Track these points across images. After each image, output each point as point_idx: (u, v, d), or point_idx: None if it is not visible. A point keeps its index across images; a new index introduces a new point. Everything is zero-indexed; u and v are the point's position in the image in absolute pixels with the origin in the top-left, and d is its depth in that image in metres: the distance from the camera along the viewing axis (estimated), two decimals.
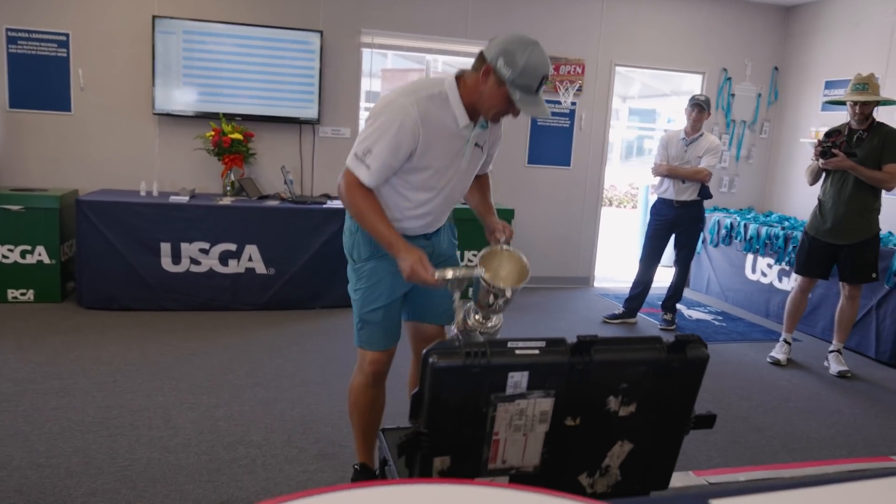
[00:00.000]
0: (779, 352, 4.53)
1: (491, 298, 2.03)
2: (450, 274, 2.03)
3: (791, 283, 5.50)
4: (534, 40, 2.01)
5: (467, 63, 2.31)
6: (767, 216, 6.38)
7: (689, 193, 5.01)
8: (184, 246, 4.77)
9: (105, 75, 5.24)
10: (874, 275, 4.25)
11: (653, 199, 5.35)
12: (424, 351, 1.67)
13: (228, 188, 5.31)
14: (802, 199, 6.50)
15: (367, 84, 5.97)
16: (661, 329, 5.24)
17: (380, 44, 5.77)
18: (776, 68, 6.75)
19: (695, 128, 4.98)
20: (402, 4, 5.72)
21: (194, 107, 5.32)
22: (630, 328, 5.26)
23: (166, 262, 4.76)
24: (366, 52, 5.74)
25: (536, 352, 1.73)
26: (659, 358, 1.82)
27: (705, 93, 6.53)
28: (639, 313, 5.40)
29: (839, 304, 4.39)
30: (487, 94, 2.07)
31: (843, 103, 4.26)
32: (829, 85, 6.17)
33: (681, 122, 5.20)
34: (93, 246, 4.65)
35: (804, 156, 6.45)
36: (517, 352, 1.72)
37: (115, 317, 4.59)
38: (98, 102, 5.26)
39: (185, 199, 4.88)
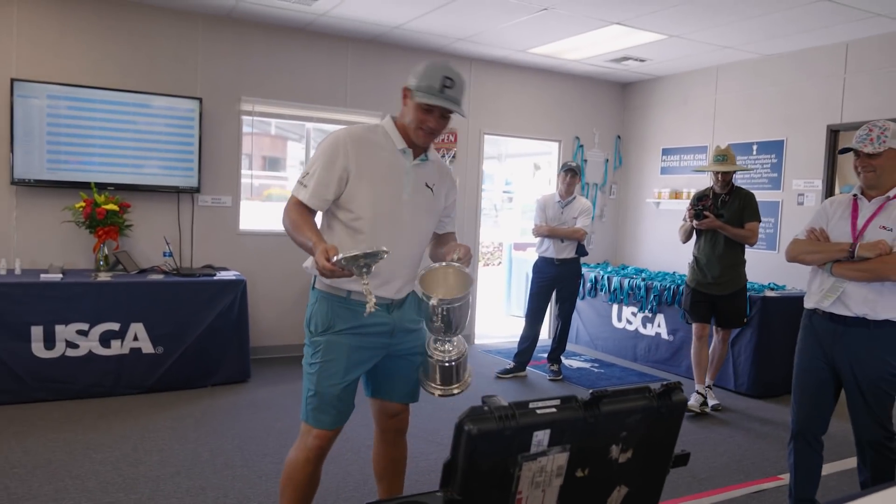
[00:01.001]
0: (694, 403, 4.74)
1: (432, 317, 2.08)
2: (344, 253, 1.93)
3: (654, 328, 6.10)
4: (443, 59, 2.28)
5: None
6: (624, 269, 7.04)
7: (567, 251, 5.43)
8: (58, 328, 4.33)
9: None
10: (745, 319, 4.89)
11: (517, 255, 5.71)
12: (458, 419, 1.72)
13: (101, 263, 4.91)
14: (648, 254, 7.27)
15: None
16: (550, 380, 5.56)
17: (260, 111, 5.73)
18: (619, 137, 7.58)
19: (568, 191, 5.45)
20: (283, 73, 5.76)
21: (60, 176, 4.92)
22: (522, 381, 5.52)
23: (37, 348, 4.28)
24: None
25: (554, 410, 1.85)
26: (651, 405, 2.01)
27: (560, 159, 7.18)
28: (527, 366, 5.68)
29: (712, 346, 4.90)
30: (406, 111, 2.22)
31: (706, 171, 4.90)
32: (666, 152, 7.05)
33: (518, 184, 5.68)
34: None
35: (649, 214, 7.26)
36: (538, 411, 1.82)
37: None
38: None
39: (57, 276, 4.45)
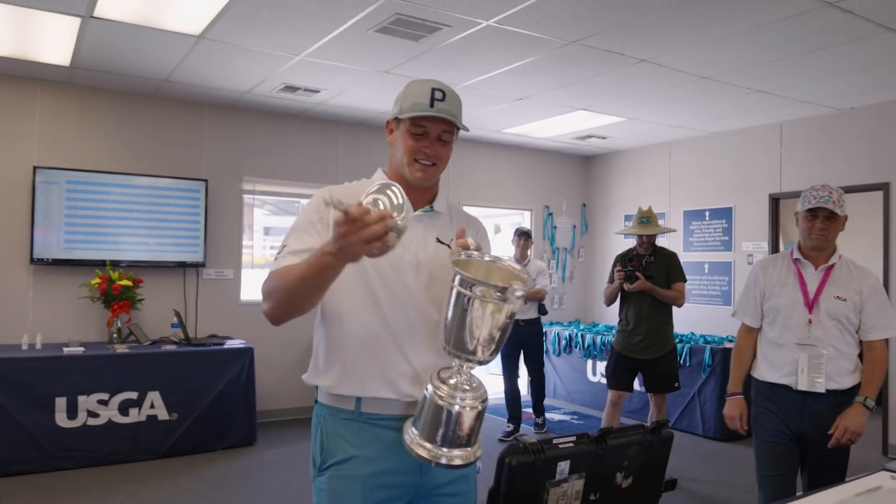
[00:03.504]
0: None
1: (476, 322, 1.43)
2: (374, 199, 1.38)
3: None
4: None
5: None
6: (595, 326, 7.58)
7: (531, 312, 5.81)
8: (81, 399, 4.60)
9: None
10: (677, 384, 4.62)
11: None
12: (501, 453, 2.17)
13: (115, 336, 5.22)
14: (616, 311, 7.82)
15: None
16: (535, 433, 5.96)
17: (260, 190, 6.19)
18: (584, 205, 8.25)
19: (523, 255, 5.84)
20: (280, 154, 6.26)
21: (76, 255, 5.26)
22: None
23: (61, 418, 4.54)
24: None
25: (572, 444, 2.31)
26: (645, 439, 2.49)
27: (532, 226, 7.79)
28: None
29: (650, 414, 4.81)
30: (395, 146, 1.76)
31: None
32: (628, 218, 7.71)
33: None
34: None
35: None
36: (560, 446, 2.29)
37: (5, 484, 4.24)
38: None
39: (79, 350, 4.74)
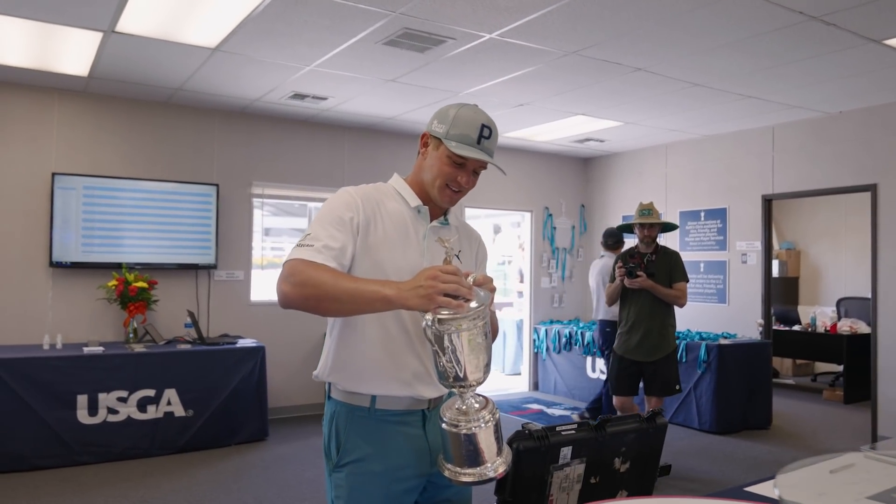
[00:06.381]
0: None
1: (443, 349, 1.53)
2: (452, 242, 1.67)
3: None
4: (472, 104, 1.84)
5: None
6: (594, 324, 7.77)
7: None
8: (101, 396, 4.80)
9: None
10: (677, 387, 4.55)
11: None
12: (508, 439, 2.36)
13: (131, 335, 5.41)
14: (615, 309, 8.03)
15: None
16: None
17: (269, 194, 6.39)
18: (583, 206, 8.45)
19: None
20: (287, 159, 6.45)
21: (93, 258, 5.45)
22: None
23: (82, 415, 4.73)
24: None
25: (573, 431, 2.52)
26: (642, 427, 2.69)
27: (532, 227, 7.99)
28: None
29: None
30: (429, 163, 1.82)
31: (630, 229, 4.74)
32: (626, 218, 7.90)
33: None
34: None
35: None
36: (563, 433, 2.49)
37: (30, 478, 4.43)
38: None
39: (99, 349, 4.94)
